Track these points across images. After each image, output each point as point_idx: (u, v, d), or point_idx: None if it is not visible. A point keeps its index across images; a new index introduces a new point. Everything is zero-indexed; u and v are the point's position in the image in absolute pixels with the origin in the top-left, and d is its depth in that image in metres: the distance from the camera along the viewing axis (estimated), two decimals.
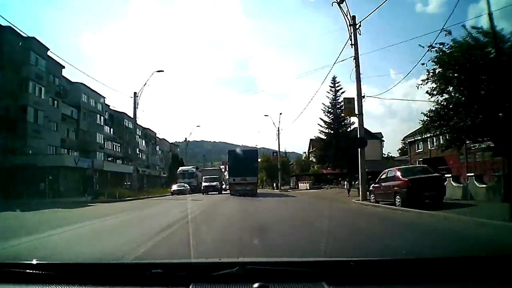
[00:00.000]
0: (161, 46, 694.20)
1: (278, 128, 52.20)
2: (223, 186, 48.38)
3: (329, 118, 52.80)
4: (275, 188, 64.59)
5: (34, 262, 2.26)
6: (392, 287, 1.99)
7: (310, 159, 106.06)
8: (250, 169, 33.67)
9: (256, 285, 1.91)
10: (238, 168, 33.67)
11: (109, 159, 61.36)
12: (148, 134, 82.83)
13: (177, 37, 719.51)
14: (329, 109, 52.73)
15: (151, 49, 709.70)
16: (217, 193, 38.27)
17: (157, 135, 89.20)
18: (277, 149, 52.94)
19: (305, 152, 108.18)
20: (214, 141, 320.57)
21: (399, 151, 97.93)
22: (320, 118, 52.98)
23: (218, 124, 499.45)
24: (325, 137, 52.71)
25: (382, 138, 78.39)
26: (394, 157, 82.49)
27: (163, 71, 35.86)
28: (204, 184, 40.38)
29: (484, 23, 16.50)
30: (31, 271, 2.21)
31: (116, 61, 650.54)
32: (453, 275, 2.05)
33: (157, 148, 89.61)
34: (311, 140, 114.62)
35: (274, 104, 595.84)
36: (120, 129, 67.68)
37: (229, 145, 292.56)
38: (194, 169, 50.24)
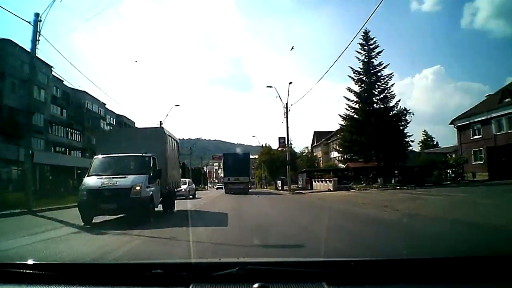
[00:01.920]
0: (155, 45, 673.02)
1: (286, 104, 35.02)
2: (185, 189, 23.29)
3: (361, 87, 35.65)
4: (281, 187, 47.35)
5: (35, 262, 2.13)
6: (392, 287, 1.89)
7: (315, 154, 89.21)
8: (243, 170, 34.67)
9: (256, 285, 1.81)
10: (232, 169, 34.83)
11: (57, 149, 43.77)
12: (123, 123, 65.18)
13: (170, 36, 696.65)
14: (361, 75, 35.58)
15: (145, 48, 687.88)
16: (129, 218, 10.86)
17: (135, 125, 71.49)
18: (285, 135, 35.71)
19: (307, 147, 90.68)
20: (210, 139, 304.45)
21: (420, 144, 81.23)
22: (348, 89, 35.89)
23: (214, 122, 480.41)
24: (355, 115, 35.48)
25: None
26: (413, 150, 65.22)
27: None
28: (87, 185, 10.83)
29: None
30: (32, 271, 2.08)
31: (108, 61, 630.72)
32: (453, 275, 1.94)
33: None
34: (315, 132, 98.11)
35: (270, 102, 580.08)
36: (80, 112, 50.03)
37: (226, 143, 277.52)
38: None
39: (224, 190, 37.72)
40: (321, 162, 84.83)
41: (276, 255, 5.25)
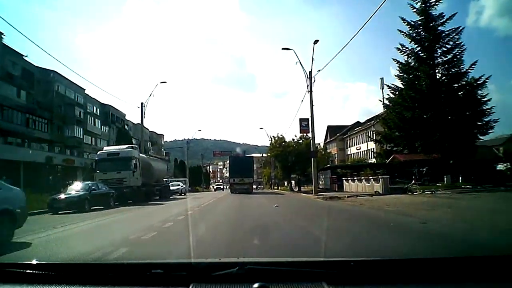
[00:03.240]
0: (158, 44, 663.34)
1: (310, 72, 24.13)
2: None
3: (418, 45, 24.70)
4: (297, 188, 36.55)
5: (34, 262, 2.04)
6: (392, 287, 1.81)
7: (329, 150, 77.93)
8: (247, 172, 36.08)
9: (256, 285, 1.74)
10: (237, 171, 36.29)
11: (9, 140, 33.23)
12: (109, 113, 54.66)
13: (173, 35, 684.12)
14: (416, 29, 24.62)
15: (148, 47, 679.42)
16: None
17: (126, 117, 61.05)
18: (309, 115, 24.66)
19: (319, 144, 79.46)
20: (215, 139, 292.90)
21: None
22: (400, 48, 24.93)
23: (219, 122, 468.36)
24: (408, 85, 24.36)
25: None
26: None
27: None
28: None
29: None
30: (31, 271, 2.00)
31: (112, 61, 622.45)
32: (453, 275, 1.86)
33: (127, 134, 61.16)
34: (328, 127, 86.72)
35: (274, 102, 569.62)
36: (47, 97, 39.48)
37: (230, 143, 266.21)
38: (134, 151, 22.03)
39: (229, 190, 39.38)
40: (336, 160, 73.85)
41: None
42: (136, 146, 23.13)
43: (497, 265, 1.90)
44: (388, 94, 25.76)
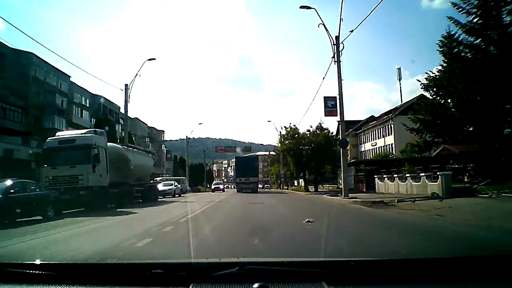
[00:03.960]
0: (163, 44, 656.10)
1: (337, 36, 18.15)
2: None
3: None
4: (314, 189, 30.75)
5: (35, 262, 2.00)
6: (392, 287, 1.78)
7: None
8: (252, 171, 37.65)
9: (256, 285, 1.71)
10: (243, 170, 37.89)
11: None
12: (101, 105, 48.85)
13: (178, 34, 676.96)
14: None
15: (152, 46, 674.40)
16: None
17: (120, 110, 55.10)
18: (338, 91, 18.58)
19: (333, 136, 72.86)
20: (220, 138, 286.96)
21: None
22: (457, 4, 18.76)
23: (224, 121, 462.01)
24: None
25: None
26: None
27: None
28: None
29: None
30: (32, 271, 1.96)
31: (116, 60, 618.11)
32: (453, 275, 1.83)
33: (120, 128, 55.32)
34: (339, 122, 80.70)
35: (280, 101, 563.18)
36: (23, 83, 33.72)
37: (236, 141, 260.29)
38: (96, 137, 15.94)
39: (234, 190, 40.81)
40: (348, 157, 67.62)
41: None
42: (102, 131, 16.90)
43: (497, 265, 1.85)
44: (429, 74, 19.35)
